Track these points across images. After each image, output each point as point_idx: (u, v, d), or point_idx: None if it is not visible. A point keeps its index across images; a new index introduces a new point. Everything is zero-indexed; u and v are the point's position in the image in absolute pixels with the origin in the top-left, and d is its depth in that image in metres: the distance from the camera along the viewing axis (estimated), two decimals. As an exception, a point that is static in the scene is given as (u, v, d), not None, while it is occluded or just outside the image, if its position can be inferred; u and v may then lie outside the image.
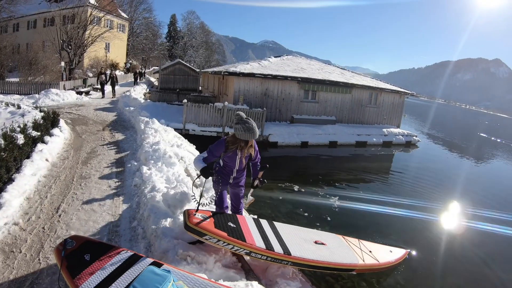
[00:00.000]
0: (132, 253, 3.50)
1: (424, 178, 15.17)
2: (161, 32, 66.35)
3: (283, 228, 5.52)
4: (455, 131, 44.67)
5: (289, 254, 4.87)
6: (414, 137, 23.28)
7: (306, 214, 9.24)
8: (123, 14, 45.07)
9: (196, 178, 5.14)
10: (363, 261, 5.86)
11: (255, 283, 3.89)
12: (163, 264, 3.35)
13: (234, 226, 4.76)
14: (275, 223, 5.57)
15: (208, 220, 4.49)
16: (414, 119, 50.94)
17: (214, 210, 4.96)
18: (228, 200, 5.12)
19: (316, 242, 5.55)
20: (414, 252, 7.59)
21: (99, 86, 23.67)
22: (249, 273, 4.33)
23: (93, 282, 3.06)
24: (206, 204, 4.99)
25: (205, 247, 4.53)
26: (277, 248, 4.83)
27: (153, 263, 3.32)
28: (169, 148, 9.02)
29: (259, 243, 4.71)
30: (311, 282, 5.13)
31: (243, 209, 5.26)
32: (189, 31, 68.60)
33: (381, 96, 23.39)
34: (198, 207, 4.58)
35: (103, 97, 22.25)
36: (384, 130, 22.17)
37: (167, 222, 4.96)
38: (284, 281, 4.45)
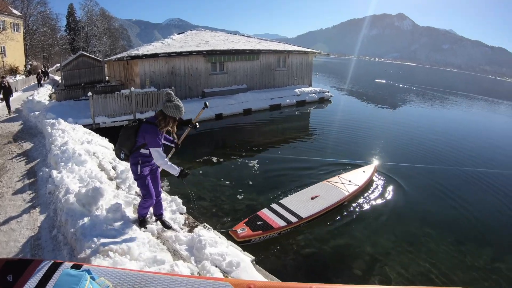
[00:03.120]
0: (51, 262, 3.32)
1: (340, 129, 16.25)
2: (60, 25, 61.13)
3: (287, 201, 7.44)
4: (361, 83, 47.55)
5: (301, 218, 6.84)
6: (327, 93, 24.31)
7: (228, 183, 9.43)
8: (15, 11, 40.70)
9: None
10: (348, 191, 8.12)
11: (180, 262, 3.97)
12: (82, 265, 3.26)
13: (261, 222, 6.55)
14: (281, 201, 7.47)
15: (246, 230, 6.25)
16: (326, 77, 53.08)
17: None
18: None
19: (312, 198, 7.56)
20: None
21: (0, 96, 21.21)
22: (175, 254, 4.36)
23: None
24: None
25: (128, 235, 4.52)
26: (292, 219, 6.77)
27: (73, 266, 3.20)
28: (78, 146, 8.68)
29: (281, 223, 6.60)
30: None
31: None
32: (89, 20, 64.07)
33: (289, 59, 23.93)
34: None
35: (9, 112, 17.60)
36: (296, 90, 22.85)
37: (84, 222, 4.81)
38: (216, 257, 4.39)
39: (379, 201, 8.51)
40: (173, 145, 5.03)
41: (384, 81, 52.38)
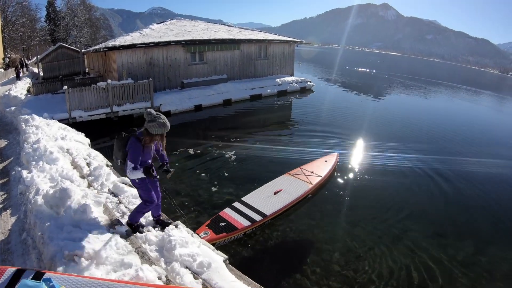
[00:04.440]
0: (15, 269, 3.21)
1: (319, 118, 16.30)
2: (40, 15, 59.43)
3: (249, 198, 7.18)
4: (344, 72, 47.72)
5: (265, 215, 6.62)
6: (309, 83, 24.25)
7: (203, 175, 9.36)
8: (-8, 3, 39.52)
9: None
10: (312, 183, 7.93)
11: (145, 266, 3.86)
12: (44, 273, 3.14)
13: (224, 223, 6.28)
14: (243, 198, 7.19)
15: (208, 233, 5.96)
16: (310, 66, 53.03)
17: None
18: None
19: (275, 193, 7.37)
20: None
21: None
22: (143, 256, 4.23)
23: None
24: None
25: (95, 238, 4.36)
26: (256, 217, 6.54)
27: (35, 274, 3.11)
28: (51, 144, 8.50)
29: (245, 222, 6.36)
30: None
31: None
32: (69, 10, 62.21)
33: (270, 48, 23.78)
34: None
35: None
36: (278, 80, 22.73)
37: (52, 225, 4.63)
38: (186, 258, 4.29)
39: (344, 192, 8.52)
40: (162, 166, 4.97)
41: (367, 70, 52.68)
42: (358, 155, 11.35)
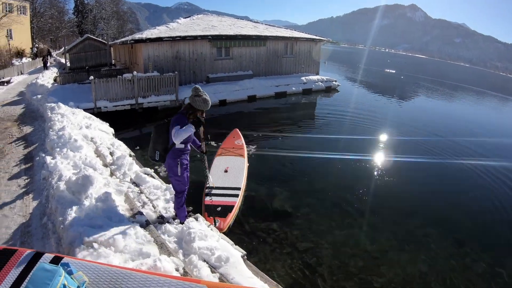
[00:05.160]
0: (34, 252, 3.28)
1: (343, 119, 15.84)
2: (68, 8, 60.57)
3: (212, 182, 7.17)
4: (370, 72, 46.95)
5: (240, 188, 7.09)
6: (334, 82, 23.82)
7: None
8: (21, -6, 40.36)
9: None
10: (242, 155, 8.75)
11: (163, 257, 3.80)
12: (63, 257, 3.15)
13: (219, 208, 6.30)
14: (208, 184, 7.02)
15: (219, 221, 5.93)
16: (335, 65, 52.41)
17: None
18: None
19: (226, 171, 7.80)
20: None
21: (5, 79, 22.11)
22: (162, 247, 4.20)
23: None
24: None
25: (114, 226, 4.38)
26: (237, 192, 6.91)
27: (53, 258, 3.12)
28: (76, 132, 8.64)
29: (233, 199, 6.64)
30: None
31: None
32: (97, 3, 63.31)
33: (296, 46, 23.48)
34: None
35: None
36: (303, 78, 22.41)
37: (73, 211, 4.66)
38: (205, 251, 4.25)
39: (367, 194, 8.34)
40: (198, 150, 5.43)
41: (393, 71, 51.78)
42: (382, 158, 11.03)
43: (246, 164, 8.33)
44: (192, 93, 4.57)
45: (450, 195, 8.87)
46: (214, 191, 6.85)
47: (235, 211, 6.40)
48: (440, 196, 8.77)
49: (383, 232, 6.77)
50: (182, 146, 4.66)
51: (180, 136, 4.36)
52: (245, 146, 9.47)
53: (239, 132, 10.23)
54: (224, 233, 5.47)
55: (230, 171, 7.85)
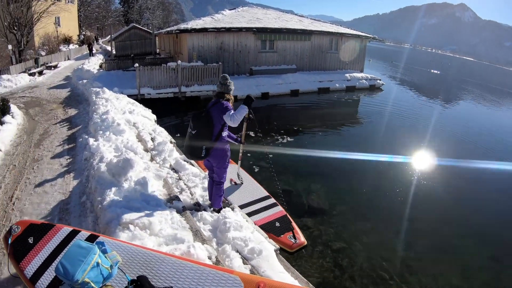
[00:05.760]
0: (71, 229, 3.48)
1: (389, 123, 15.24)
2: (115, -3, 62.76)
3: (236, 199, 6.13)
4: (415, 72, 45.54)
5: (268, 195, 6.31)
6: (378, 81, 23.13)
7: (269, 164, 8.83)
8: (69, -16, 41.82)
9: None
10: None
11: (197, 244, 3.80)
12: (98, 236, 3.37)
13: (279, 224, 5.51)
14: (239, 204, 5.84)
15: (292, 237, 5.29)
16: (380, 63, 51.08)
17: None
18: None
19: (235, 183, 6.61)
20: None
21: (53, 64, 23.19)
22: (196, 234, 4.20)
23: (36, 264, 3.11)
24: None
25: (151, 210, 4.43)
26: (272, 201, 6.15)
27: (89, 236, 3.34)
28: (119, 116, 8.84)
29: (279, 208, 5.90)
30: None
31: None
32: (143, -7, 65.06)
33: (342, 41, 22.93)
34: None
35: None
36: (347, 75, 21.86)
37: (112, 192, 4.77)
38: (239, 242, 4.22)
39: (405, 199, 7.95)
40: (236, 143, 5.30)
41: (438, 71, 49.96)
42: (425, 162, 10.55)
43: (239, 168, 6.84)
44: (222, 81, 4.64)
45: (495, 207, 8.33)
46: (251, 209, 5.92)
47: (291, 218, 5.75)
48: (483, 206, 8.28)
49: (418, 239, 6.52)
50: (226, 134, 4.70)
51: (238, 118, 4.39)
52: None
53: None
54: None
55: (237, 181, 6.74)
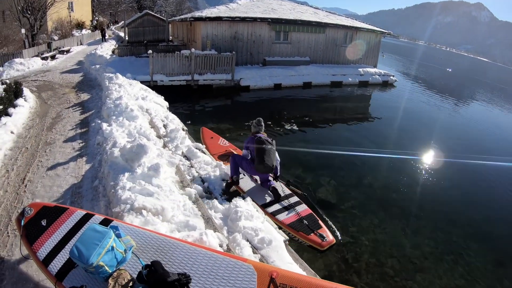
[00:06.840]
0: (85, 212, 3.51)
1: (401, 120, 15.04)
2: (128, -16, 62.38)
3: (258, 197, 5.81)
4: (429, 69, 45.12)
5: (290, 192, 6.03)
6: (391, 77, 22.85)
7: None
8: (83, -31, 41.65)
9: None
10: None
11: (209, 231, 3.85)
12: (112, 220, 3.40)
13: (307, 221, 5.34)
14: (261, 204, 5.66)
15: (324, 235, 5.17)
16: (393, 60, 50.53)
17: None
18: None
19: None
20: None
21: (65, 49, 23.60)
22: (208, 222, 4.27)
23: (48, 246, 3.16)
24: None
25: (164, 196, 4.47)
26: (295, 198, 5.92)
27: (103, 220, 3.36)
28: (132, 102, 8.90)
29: (304, 207, 5.72)
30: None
31: None
32: (156, -20, 64.72)
33: (356, 35, 22.63)
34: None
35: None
36: (360, 70, 21.62)
37: (125, 177, 4.82)
38: (249, 231, 4.31)
39: (414, 197, 7.96)
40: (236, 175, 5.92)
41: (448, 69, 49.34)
42: (436, 159, 10.41)
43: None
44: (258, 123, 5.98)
45: (504, 208, 8.18)
46: (275, 207, 5.63)
47: (317, 215, 5.57)
48: (492, 206, 8.13)
49: (425, 238, 6.44)
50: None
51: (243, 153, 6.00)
52: (230, 143, 8.02)
53: (209, 130, 8.62)
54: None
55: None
